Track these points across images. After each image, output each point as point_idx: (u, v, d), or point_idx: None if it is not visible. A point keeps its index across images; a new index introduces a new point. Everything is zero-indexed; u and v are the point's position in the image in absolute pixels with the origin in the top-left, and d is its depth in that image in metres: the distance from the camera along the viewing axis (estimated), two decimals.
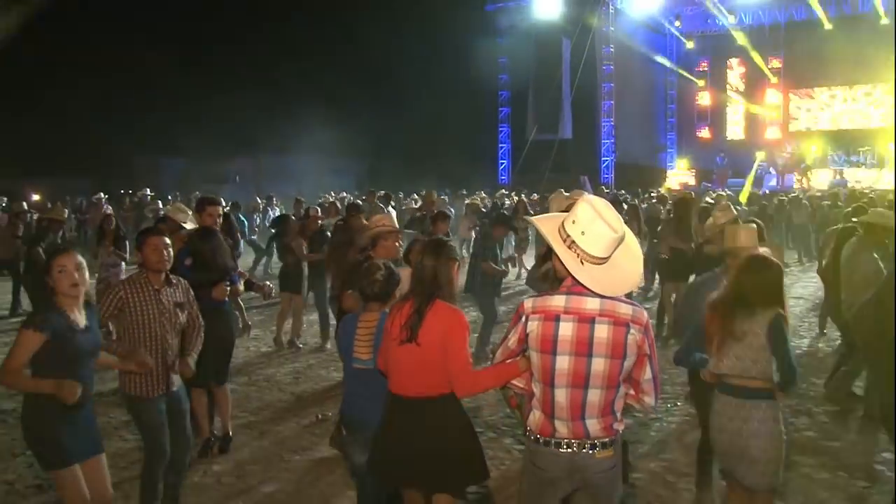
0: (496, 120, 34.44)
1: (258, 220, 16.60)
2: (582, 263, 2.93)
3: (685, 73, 33.94)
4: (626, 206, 13.52)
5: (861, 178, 26.73)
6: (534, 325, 3.01)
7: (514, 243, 14.56)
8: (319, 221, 9.92)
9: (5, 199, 19.21)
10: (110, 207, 18.49)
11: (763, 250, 4.01)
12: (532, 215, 9.79)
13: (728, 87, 34.67)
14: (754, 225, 4.75)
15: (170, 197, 23.24)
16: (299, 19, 39.42)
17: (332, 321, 9.09)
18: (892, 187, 20.20)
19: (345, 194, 22.36)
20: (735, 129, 35.03)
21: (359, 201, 15.80)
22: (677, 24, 33.82)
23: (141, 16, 36.56)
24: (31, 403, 3.65)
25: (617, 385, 3.00)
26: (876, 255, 6.57)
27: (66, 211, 11.42)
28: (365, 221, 7.23)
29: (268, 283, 6.28)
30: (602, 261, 2.93)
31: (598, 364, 2.94)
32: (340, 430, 4.98)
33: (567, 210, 3.13)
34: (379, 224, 5.44)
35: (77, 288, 3.64)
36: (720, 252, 4.71)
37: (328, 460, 5.68)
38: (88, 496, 3.71)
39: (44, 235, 9.92)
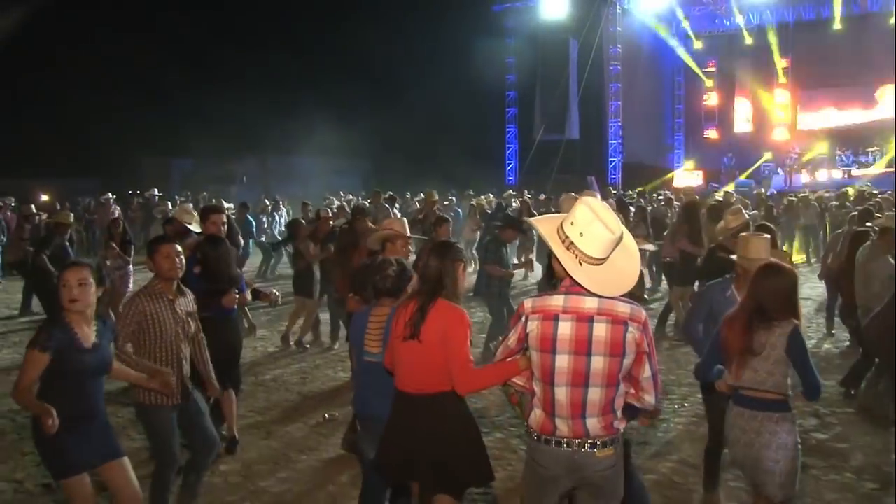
0: (503, 120, 34.40)
1: (265, 222, 16.62)
2: (580, 264, 2.97)
3: (693, 66, 33.61)
4: (632, 210, 13.48)
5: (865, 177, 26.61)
6: (533, 325, 3.06)
7: (517, 243, 14.52)
8: (331, 223, 9.93)
9: (12, 200, 19.26)
10: (118, 208, 18.58)
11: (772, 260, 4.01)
12: (535, 216, 9.79)
13: (736, 87, 34.54)
14: (767, 235, 4.74)
15: (177, 197, 23.31)
16: (305, 21, 39.51)
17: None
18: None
19: (350, 196, 22.36)
20: (743, 125, 34.88)
21: (365, 202, 15.82)
22: (685, 24, 33.73)
23: (149, 18, 36.66)
24: (37, 418, 3.64)
25: (617, 383, 3.02)
26: (892, 260, 6.57)
27: (72, 215, 11.41)
28: (371, 224, 7.24)
29: (273, 290, 6.27)
30: (600, 261, 2.97)
31: (598, 362, 2.98)
32: (352, 430, 5.02)
33: None
34: (388, 228, 5.49)
35: (76, 304, 3.61)
36: (731, 259, 4.70)
37: (336, 460, 5.70)
38: (95, 501, 3.75)
39: (50, 239, 9.91)
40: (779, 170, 30.16)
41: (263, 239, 15.96)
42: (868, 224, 8.22)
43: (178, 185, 32.37)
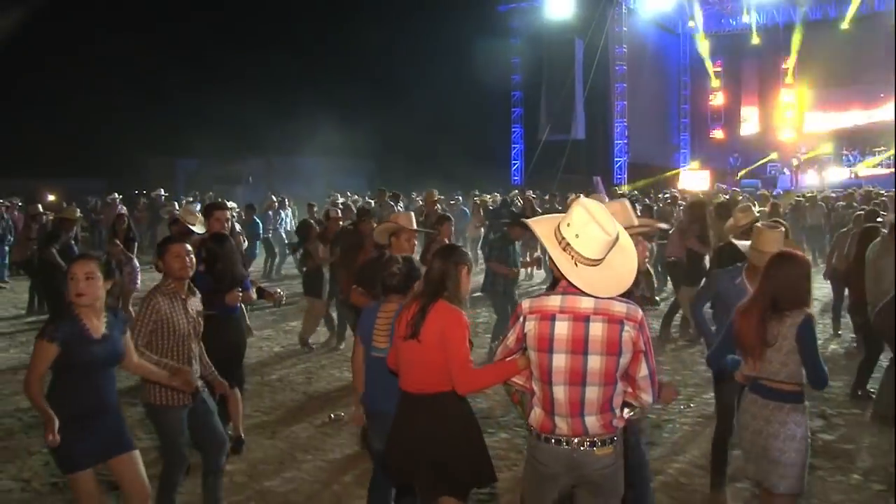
0: (508, 120, 34.40)
1: (272, 219, 16.61)
2: (576, 265, 2.99)
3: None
4: (640, 208, 13.45)
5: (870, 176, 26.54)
6: (531, 325, 3.09)
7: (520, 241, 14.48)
8: (340, 223, 9.94)
9: (19, 200, 19.34)
10: (124, 208, 18.61)
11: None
12: (540, 214, 9.78)
13: (742, 87, 34.47)
14: (781, 228, 4.74)
15: (182, 198, 23.35)
16: (310, 22, 39.57)
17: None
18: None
19: (356, 196, 22.37)
20: (749, 127, 34.81)
21: (371, 201, 15.82)
22: (691, 24, 33.70)
23: (154, 20, 36.76)
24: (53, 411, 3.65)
25: (614, 382, 3.05)
26: None
27: (78, 211, 11.43)
28: (375, 225, 7.25)
29: (278, 290, 6.28)
30: (596, 262, 2.99)
31: (595, 361, 3.01)
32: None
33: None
34: (395, 222, 5.57)
35: (82, 298, 3.61)
36: (742, 251, 4.72)
37: (341, 460, 5.71)
38: (99, 500, 3.75)
39: (57, 235, 9.94)
40: (785, 170, 30.08)
41: (270, 235, 15.95)
42: (879, 220, 8.20)
43: (183, 185, 32.45)
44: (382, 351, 3.97)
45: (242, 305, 5.97)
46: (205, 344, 4.56)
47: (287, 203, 19.73)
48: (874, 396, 6.81)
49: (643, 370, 3.06)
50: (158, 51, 34.85)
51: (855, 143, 30.00)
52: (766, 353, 3.62)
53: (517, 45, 33.18)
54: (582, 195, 7.48)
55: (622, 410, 3.12)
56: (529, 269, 14.00)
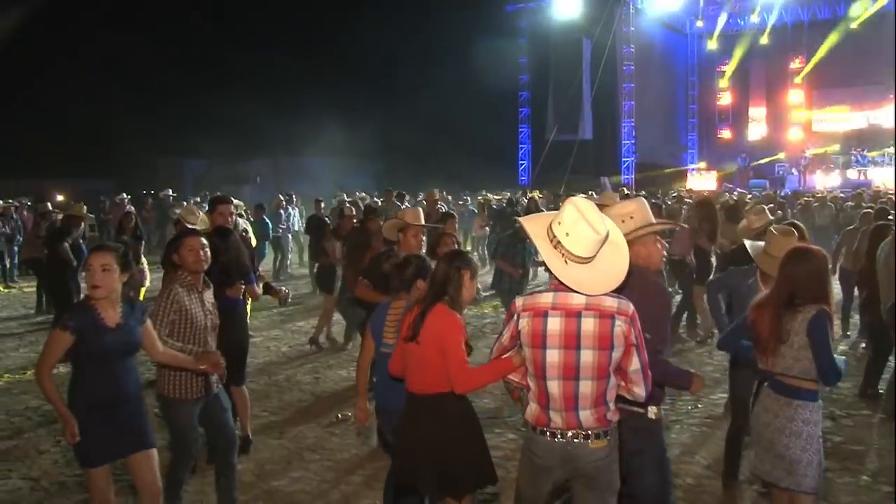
0: (516, 120, 34.36)
1: (283, 217, 16.60)
2: (566, 263, 3.05)
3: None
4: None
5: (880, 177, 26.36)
6: (524, 322, 3.15)
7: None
8: (354, 221, 9.98)
9: (28, 200, 19.45)
10: (133, 207, 18.67)
11: None
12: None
13: (750, 87, 34.35)
14: (795, 233, 4.74)
15: (190, 198, 23.43)
16: (318, 23, 39.64)
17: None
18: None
19: (363, 194, 22.40)
20: (757, 130, 34.71)
21: (377, 199, 15.81)
22: (699, 24, 33.62)
23: (163, 22, 36.90)
24: (69, 404, 3.66)
25: (607, 376, 3.10)
26: None
27: (85, 208, 11.45)
28: (382, 223, 7.27)
29: (284, 288, 6.28)
30: (587, 260, 3.05)
31: (587, 356, 3.06)
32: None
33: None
34: (405, 217, 5.68)
35: (97, 290, 3.61)
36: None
37: (349, 461, 5.71)
38: (112, 498, 3.76)
39: (67, 230, 9.92)
40: (793, 170, 29.97)
41: (280, 234, 15.97)
42: (890, 217, 8.16)
43: (191, 185, 32.57)
44: (391, 347, 4.03)
45: (246, 302, 5.96)
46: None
47: (294, 201, 19.76)
48: (883, 395, 6.79)
49: (635, 364, 3.11)
50: (167, 52, 35.03)
51: (864, 142, 29.83)
52: (779, 348, 3.61)
53: (524, 45, 33.15)
54: (592, 193, 7.46)
55: (649, 406, 3.17)
56: (535, 270, 13.96)
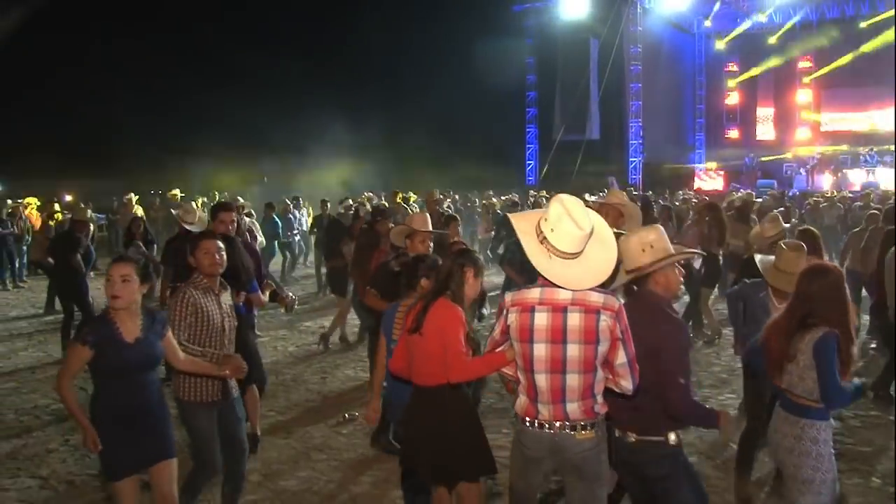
0: (523, 121, 34.31)
1: (294, 219, 16.60)
2: (550, 258, 3.14)
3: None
4: (657, 209, 13.40)
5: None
6: (512, 317, 3.26)
7: None
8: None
9: (37, 200, 19.52)
10: (141, 209, 18.75)
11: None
12: None
13: (758, 86, 34.23)
14: (804, 247, 4.73)
15: (198, 197, 23.43)
16: (324, 23, 39.65)
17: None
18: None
19: (370, 193, 22.42)
20: (765, 130, 34.59)
21: (385, 203, 15.79)
22: (706, 23, 33.53)
23: (171, 23, 36.99)
24: (92, 416, 3.67)
25: (594, 369, 3.17)
26: None
27: (90, 211, 11.43)
28: (392, 225, 7.28)
29: (290, 294, 6.26)
30: (573, 256, 3.13)
31: (573, 350, 3.14)
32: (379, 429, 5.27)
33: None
34: (412, 224, 5.77)
35: (117, 300, 3.60)
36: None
37: (356, 460, 5.72)
38: None
39: (77, 240, 9.86)
40: (801, 170, 29.86)
41: (290, 239, 15.96)
42: None
43: (199, 186, 32.62)
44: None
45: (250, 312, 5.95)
46: None
47: (301, 202, 19.78)
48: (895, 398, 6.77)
49: (621, 357, 3.15)
50: (174, 53, 35.09)
51: (872, 143, 29.67)
52: (786, 366, 3.59)
53: (532, 45, 33.09)
54: (600, 194, 7.47)
55: (668, 432, 3.25)
56: None
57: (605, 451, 3.30)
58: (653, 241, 3.49)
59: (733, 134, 35.19)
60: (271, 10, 39.43)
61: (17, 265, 15.18)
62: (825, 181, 27.87)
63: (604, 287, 3.23)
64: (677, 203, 17.92)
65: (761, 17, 31.41)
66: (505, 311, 3.29)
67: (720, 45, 34.09)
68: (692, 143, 35.94)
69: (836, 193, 21.14)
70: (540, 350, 3.18)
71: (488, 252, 14.69)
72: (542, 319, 3.17)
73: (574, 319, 3.13)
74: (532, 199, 18.30)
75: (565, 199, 3.17)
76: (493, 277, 13.25)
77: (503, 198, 19.70)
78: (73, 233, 9.58)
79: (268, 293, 5.93)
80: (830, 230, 16.71)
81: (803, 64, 32.19)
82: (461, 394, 3.78)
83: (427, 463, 3.76)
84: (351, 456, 5.81)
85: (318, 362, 8.76)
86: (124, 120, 32.35)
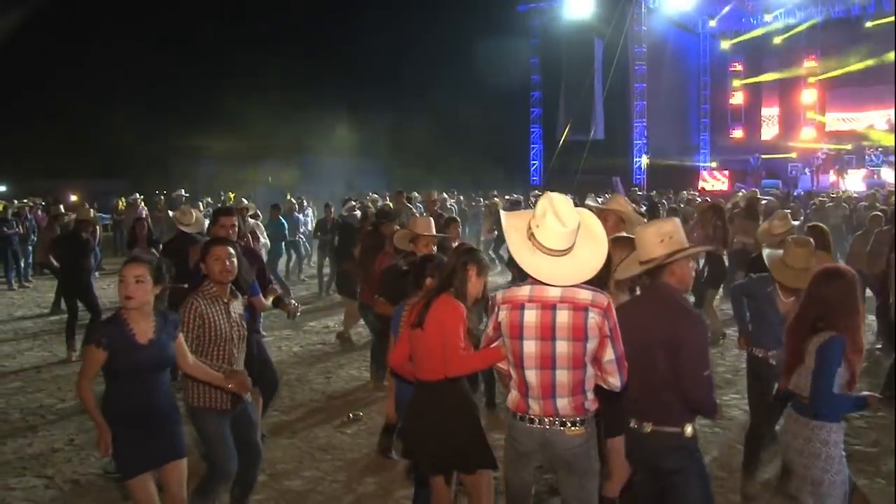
0: (527, 121, 34.31)
1: (300, 220, 16.60)
2: (533, 253, 3.19)
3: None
4: (664, 210, 13.40)
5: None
6: (503, 314, 3.32)
7: None
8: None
9: (42, 201, 19.61)
10: (146, 209, 18.78)
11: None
12: None
13: (763, 86, 34.16)
14: (811, 242, 4.72)
15: (203, 198, 23.52)
16: (328, 23, 39.70)
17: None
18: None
19: (374, 195, 22.44)
20: (770, 130, 34.53)
21: (389, 204, 15.77)
22: (711, 23, 33.47)
23: (175, 24, 37.06)
24: (105, 416, 3.67)
25: (583, 366, 3.22)
26: None
27: (92, 211, 11.42)
28: (397, 227, 7.29)
29: (294, 301, 6.17)
30: (561, 252, 3.17)
31: (562, 346, 3.19)
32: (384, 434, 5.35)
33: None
34: (415, 228, 5.85)
35: (130, 301, 3.59)
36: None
37: (360, 460, 5.72)
38: None
39: (85, 244, 9.85)
40: (806, 170, 29.78)
41: (296, 240, 15.95)
42: None
43: (203, 186, 32.70)
44: None
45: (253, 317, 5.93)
46: None
47: (305, 204, 19.79)
48: None
49: (609, 354, 3.19)
50: (179, 53, 35.18)
51: (877, 142, 29.58)
52: (798, 368, 3.62)
53: (536, 44, 33.09)
54: (606, 196, 7.49)
55: (685, 424, 3.29)
56: None
57: (595, 446, 3.35)
58: (671, 233, 3.48)
59: (738, 134, 35.13)
60: (276, 11, 39.48)
61: (22, 265, 15.22)
62: (830, 181, 27.81)
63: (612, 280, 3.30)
64: (682, 204, 17.89)
65: (767, 18, 31.35)
66: (496, 308, 3.34)
67: (725, 44, 34.04)
68: (696, 142, 35.86)
69: (841, 193, 21.08)
70: (530, 347, 3.23)
71: (490, 252, 14.67)
72: (531, 316, 3.22)
73: (563, 317, 3.17)
74: (535, 200, 18.26)
75: (553, 196, 3.22)
76: (498, 278, 13.25)
77: (506, 198, 19.70)
78: (77, 232, 9.61)
79: (271, 299, 5.89)
80: (835, 230, 16.65)
81: (808, 64, 32.11)
82: (461, 389, 3.84)
83: (427, 454, 3.84)
84: (355, 456, 5.81)
85: (322, 362, 8.76)
86: (129, 120, 32.42)
